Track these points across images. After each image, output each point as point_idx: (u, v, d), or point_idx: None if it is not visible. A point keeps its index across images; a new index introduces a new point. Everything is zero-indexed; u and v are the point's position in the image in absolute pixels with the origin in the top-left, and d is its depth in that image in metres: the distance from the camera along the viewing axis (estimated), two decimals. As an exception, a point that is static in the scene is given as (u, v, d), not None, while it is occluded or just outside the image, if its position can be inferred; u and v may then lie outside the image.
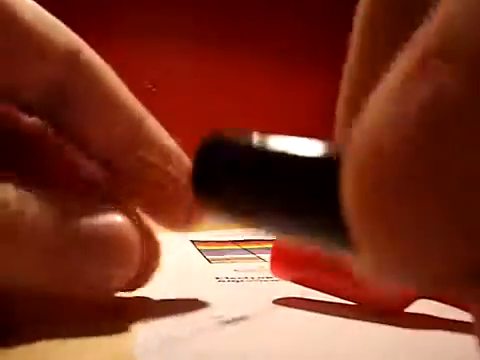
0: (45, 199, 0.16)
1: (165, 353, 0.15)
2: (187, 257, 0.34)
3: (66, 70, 0.18)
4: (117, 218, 0.17)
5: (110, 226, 0.17)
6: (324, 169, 0.10)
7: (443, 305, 0.18)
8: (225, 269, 0.29)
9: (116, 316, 0.19)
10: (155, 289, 0.23)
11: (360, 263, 0.08)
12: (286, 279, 0.21)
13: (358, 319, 0.18)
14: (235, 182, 0.11)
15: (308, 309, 0.19)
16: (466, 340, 0.16)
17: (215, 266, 0.30)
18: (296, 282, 0.20)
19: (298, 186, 0.10)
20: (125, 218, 0.17)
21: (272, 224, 0.11)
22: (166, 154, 0.19)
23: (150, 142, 0.19)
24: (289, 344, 0.15)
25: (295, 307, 0.20)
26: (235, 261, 0.32)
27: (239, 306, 0.20)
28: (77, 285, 0.17)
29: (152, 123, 0.19)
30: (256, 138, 0.11)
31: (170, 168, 0.19)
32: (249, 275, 0.27)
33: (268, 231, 0.11)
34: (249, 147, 0.11)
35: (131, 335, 0.17)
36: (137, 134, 0.19)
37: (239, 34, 0.99)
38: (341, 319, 0.18)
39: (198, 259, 0.33)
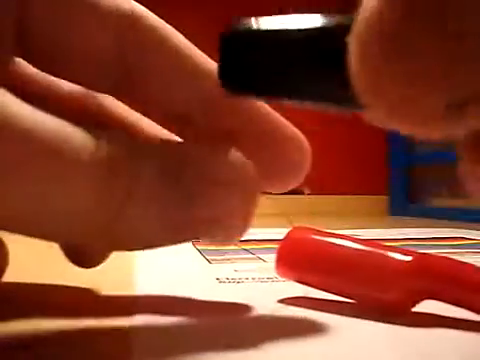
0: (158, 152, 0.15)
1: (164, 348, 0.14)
2: (187, 257, 0.34)
3: (121, 38, 0.17)
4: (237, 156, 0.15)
5: (232, 165, 0.15)
6: (334, 36, 0.11)
7: (449, 306, 0.18)
8: (225, 270, 0.28)
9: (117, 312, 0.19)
10: (155, 290, 0.23)
11: (368, 115, 0.11)
12: (291, 279, 0.20)
13: (366, 319, 0.18)
14: (261, 60, 0.13)
15: (314, 309, 0.19)
16: (472, 338, 0.16)
17: (215, 266, 0.30)
18: (302, 282, 0.20)
19: (313, 53, 0.12)
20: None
21: (294, 92, 0.13)
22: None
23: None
24: (298, 343, 0.15)
25: (301, 306, 0.19)
26: (235, 261, 0.32)
27: (246, 309, 0.19)
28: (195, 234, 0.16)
29: None
30: (270, 19, 0.13)
31: (251, 117, 0.18)
32: (250, 276, 0.26)
33: (290, 100, 0.13)
34: (266, 28, 0.13)
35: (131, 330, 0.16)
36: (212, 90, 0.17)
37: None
38: (349, 318, 0.18)
39: (197, 259, 0.33)
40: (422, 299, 0.18)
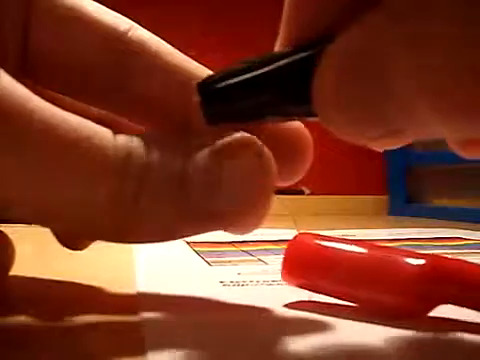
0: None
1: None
2: (185, 259, 0.34)
3: (116, 52, 0.18)
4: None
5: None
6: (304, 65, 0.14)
7: (462, 309, 0.17)
8: (228, 272, 0.28)
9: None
10: (157, 293, 0.22)
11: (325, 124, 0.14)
12: (298, 285, 0.20)
13: (376, 323, 0.17)
14: (236, 97, 0.15)
15: (324, 313, 0.18)
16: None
17: (216, 269, 0.29)
18: (309, 289, 0.20)
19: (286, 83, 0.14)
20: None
21: (270, 113, 0.15)
22: None
23: None
24: (307, 345, 0.15)
25: (309, 310, 0.19)
26: (236, 264, 0.31)
27: (252, 310, 0.19)
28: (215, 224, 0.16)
29: None
30: (245, 62, 0.15)
31: None
32: (254, 279, 0.26)
33: (268, 120, 0.16)
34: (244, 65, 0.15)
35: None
36: None
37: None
38: (358, 323, 0.17)
39: (197, 261, 0.32)
40: (437, 304, 0.17)
